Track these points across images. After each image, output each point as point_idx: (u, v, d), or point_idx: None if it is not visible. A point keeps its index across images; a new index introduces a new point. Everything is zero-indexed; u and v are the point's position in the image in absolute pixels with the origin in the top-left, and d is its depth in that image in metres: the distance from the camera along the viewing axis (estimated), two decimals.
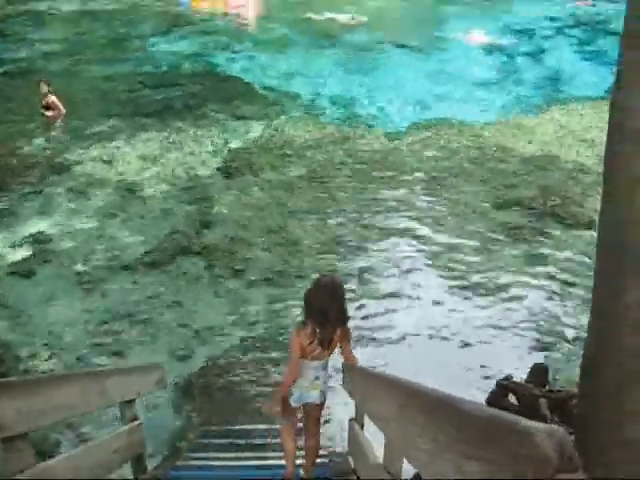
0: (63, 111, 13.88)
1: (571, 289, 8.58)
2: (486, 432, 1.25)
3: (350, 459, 4.88)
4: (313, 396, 4.35)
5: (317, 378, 4.33)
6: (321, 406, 4.54)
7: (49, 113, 13.72)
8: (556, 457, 1.03)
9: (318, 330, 4.11)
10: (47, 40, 19.88)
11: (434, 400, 1.73)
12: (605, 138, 4.31)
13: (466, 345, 7.60)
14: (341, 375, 5.10)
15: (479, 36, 18.86)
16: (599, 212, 4.44)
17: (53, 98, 13.74)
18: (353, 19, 21.72)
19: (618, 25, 4.30)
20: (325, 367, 4.38)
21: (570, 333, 7.77)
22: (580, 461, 1.04)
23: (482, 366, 7.19)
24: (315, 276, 8.69)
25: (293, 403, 4.38)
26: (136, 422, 4.75)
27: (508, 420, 1.18)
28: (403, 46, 19.36)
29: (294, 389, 4.32)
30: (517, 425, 1.13)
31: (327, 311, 4.09)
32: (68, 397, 3.51)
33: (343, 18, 21.72)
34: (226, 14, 23.18)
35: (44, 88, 13.64)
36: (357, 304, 8.20)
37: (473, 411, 1.34)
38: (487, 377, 6.88)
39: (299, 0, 24.86)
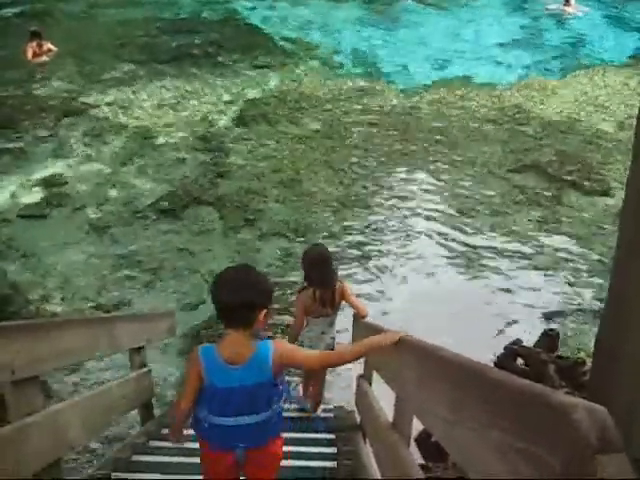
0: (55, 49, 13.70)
1: (586, 257, 8.50)
2: (517, 405, 1.19)
3: (357, 415, 4.90)
4: (320, 347, 4.86)
5: (323, 332, 4.93)
6: None
7: (43, 58, 13.48)
8: (596, 439, 0.96)
9: (317, 292, 4.73)
10: None
11: (456, 367, 1.67)
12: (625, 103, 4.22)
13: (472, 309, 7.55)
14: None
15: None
16: (627, 179, 4.34)
17: (49, 45, 13.61)
18: None
19: None
20: (332, 324, 4.98)
21: (583, 300, 7.71)
22: (621, 441, 0.97)
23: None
24: (324, 233, 8.73)
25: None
26: (144, 369, 4.77)
27: (542, 393, 1.11)
28: (426, 3, 18.89)
29: (303, 339, 4.90)
30: (552, 400, 1.07)
31: (323, 277, 4.72)
32: (78, 342, 3.51)
33: None
34: None
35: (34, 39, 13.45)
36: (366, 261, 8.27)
37: (502, 381, 1.27)
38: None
39: None
